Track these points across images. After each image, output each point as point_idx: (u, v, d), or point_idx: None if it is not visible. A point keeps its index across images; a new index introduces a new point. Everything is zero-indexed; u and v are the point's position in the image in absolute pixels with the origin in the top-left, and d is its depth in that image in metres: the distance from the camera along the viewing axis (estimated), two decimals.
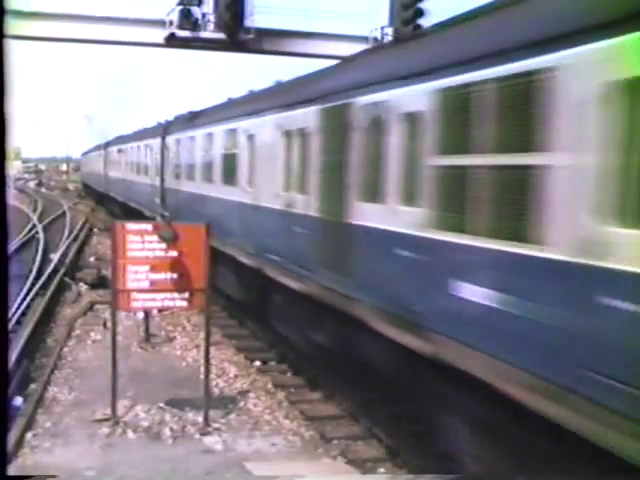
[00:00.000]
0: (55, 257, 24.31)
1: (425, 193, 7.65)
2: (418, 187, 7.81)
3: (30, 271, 21.85)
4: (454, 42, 7.71)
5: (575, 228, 5.43)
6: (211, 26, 17.77)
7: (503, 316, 6.23)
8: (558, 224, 5.65)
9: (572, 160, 5.51)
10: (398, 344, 8.25)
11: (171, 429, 10.20)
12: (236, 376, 12.83)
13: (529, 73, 5.94)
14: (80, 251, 28.00)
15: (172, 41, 17.93)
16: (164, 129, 24.04)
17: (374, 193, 8.95)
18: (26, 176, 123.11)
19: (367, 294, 9.06)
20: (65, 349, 14.39)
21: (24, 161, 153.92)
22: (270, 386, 12.41)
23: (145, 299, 11.13)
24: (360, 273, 9.28)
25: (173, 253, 11.17)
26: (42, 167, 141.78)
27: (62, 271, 22.13)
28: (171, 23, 17.69)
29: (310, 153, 11.08)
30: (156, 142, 24.24)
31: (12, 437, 9.08)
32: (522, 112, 6.01)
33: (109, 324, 14.85)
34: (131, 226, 11.17)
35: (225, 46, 18.44)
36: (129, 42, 18.61)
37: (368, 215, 9.10)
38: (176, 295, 11.22)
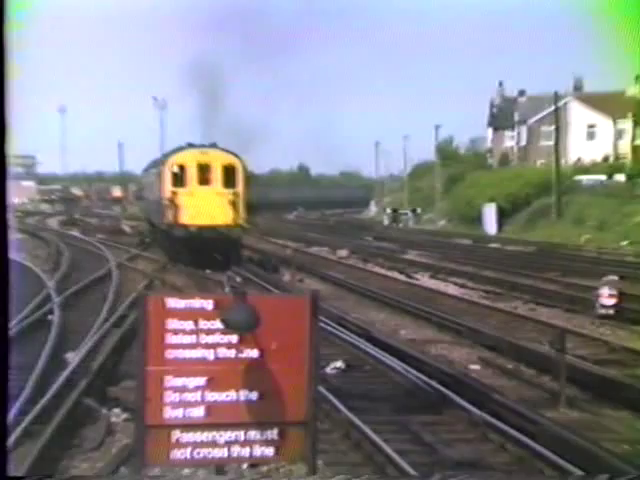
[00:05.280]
0: (74, 358, 15.21)
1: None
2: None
3: (22, 388, 12.73)
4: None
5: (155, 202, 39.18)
6: None
7: None
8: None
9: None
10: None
11: None
12: None
13: (157, 172, 38.18)
14: (124, 347, 16.73)
15: None
16: None
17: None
18: (45, 208, 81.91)
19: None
20: None
21: (42, 181, 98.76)
22: None
23: (197, 443, 6.38)
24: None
25: (250, 352, 6.55)
26: (76, 192, 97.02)
27: (82, 385, 13.18)
28: None
29: (156, 183, 37.61)
30: None
31: None
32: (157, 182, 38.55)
33: None
34: (175, 303, 6.64)
35: None
36: None
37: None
38: (255, 435, 6.46)
